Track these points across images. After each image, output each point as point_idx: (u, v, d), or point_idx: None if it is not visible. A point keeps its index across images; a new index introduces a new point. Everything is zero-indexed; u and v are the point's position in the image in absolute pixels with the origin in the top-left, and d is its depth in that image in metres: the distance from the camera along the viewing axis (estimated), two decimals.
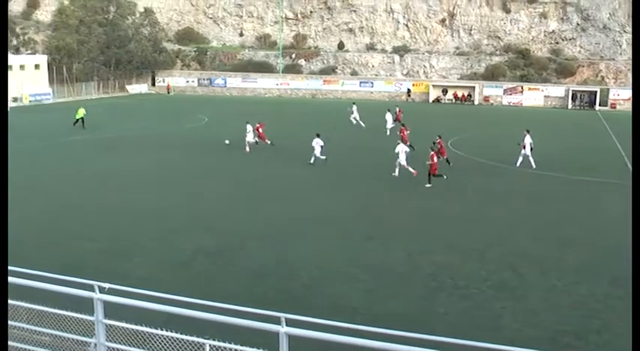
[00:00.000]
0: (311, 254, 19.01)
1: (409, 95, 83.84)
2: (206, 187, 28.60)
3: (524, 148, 34.12)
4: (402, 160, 30.14)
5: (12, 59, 76.02)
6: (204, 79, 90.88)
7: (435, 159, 28.61)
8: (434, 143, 31.81)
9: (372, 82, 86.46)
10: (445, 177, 29.25)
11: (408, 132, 37.44)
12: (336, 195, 27.26)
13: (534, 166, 33.78)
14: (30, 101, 72.82)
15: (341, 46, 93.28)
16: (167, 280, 16.24)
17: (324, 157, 33.09)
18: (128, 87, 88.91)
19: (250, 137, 37.61)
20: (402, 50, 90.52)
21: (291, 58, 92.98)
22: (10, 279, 8.56)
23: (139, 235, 21.00)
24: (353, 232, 21.53)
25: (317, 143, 33.13)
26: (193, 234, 21.05)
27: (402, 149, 30.29)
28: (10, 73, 70.11)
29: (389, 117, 45.95)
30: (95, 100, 77.91)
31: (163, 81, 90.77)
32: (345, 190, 28.29)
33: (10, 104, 66.08)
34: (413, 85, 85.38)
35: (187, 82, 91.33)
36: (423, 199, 27.01)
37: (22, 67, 75.63)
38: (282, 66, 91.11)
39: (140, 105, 71.33)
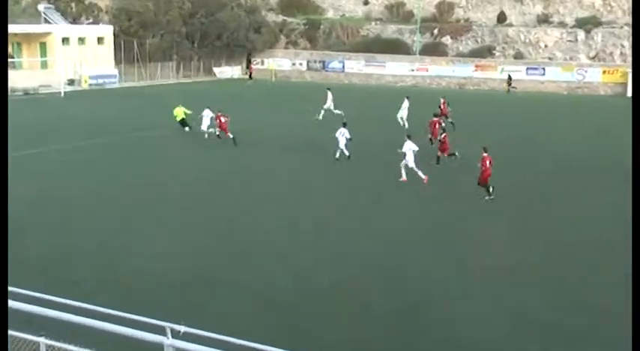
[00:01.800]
0: (431, 287, 19.60)
1: (510, 84, 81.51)
2: (303, 200, 29.38)
3: None
4: (410, 161, 32.15)
5: (69, 30, 78.26)
6: (315, 62, 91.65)
7: (488, 164, 29.62)
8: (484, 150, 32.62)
9: (543, 69, 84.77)
10: (492, 191, 29.80)
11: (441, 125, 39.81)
12: (446, 211, 27.94)
13: None
14: (90, 85, 74.92)
15: (501, 18, 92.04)
16: (254, 322, 16.48)
17: (347, 153, 36.51)
18: (216, 69, 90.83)
19: (204, 125, 42.36)
20: (589, 23, 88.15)
21: (432, 34, 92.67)
22: (68, 316, 9.10)
23: (225, 259, 21.34)
24: (481, 260, 21.83)
25: (341, 134, 36.59)
26: (293, 260, 21.38)
27: (409, 147, 32.13)
28: (65, 47, 75.36)
29: (405, 105, 49.13)
30: (173, 85, 78.11)
31: (262, 63, 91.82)
32: (450, 202, 29.22)
33: (65, 88, 68.14)
34: (604, 72, 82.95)
35: (293, 64, 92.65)
36: (587, 224, 26.20)
37: (81, 40, 77.79)
38: (420, 45, 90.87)
39: (231, 94, 71.06)
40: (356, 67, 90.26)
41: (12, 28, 69.18)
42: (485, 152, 29.88)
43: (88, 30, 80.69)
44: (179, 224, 25.59)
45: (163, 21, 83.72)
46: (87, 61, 75.98)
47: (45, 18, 79.69)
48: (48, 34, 75.78)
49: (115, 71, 78.78)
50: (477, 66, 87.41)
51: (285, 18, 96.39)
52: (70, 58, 73.92)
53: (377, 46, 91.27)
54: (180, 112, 44.97)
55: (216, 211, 27.61)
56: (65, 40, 76.44)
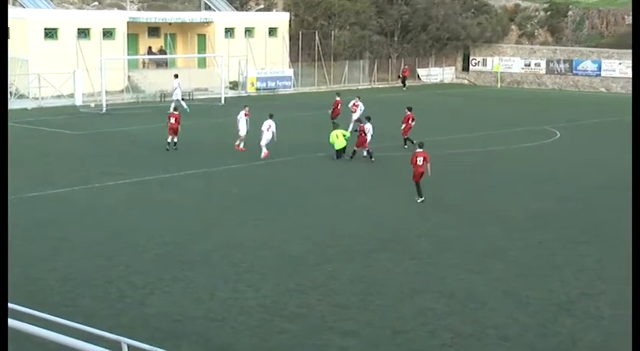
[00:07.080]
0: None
1: None
2: None
3: None
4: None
5: (234, 19, 74.63)
6: (558, 62, 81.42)
7: (421, 161, 30.18)
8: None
9: None
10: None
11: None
12: None
13: None
14: (257, 89, 70.86)
15: None
16: None
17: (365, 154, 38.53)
18: (420, 72, 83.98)
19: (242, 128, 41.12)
20: None
21: None
22: None
23: None
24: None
25: (368, 130, 39.46)
26: None
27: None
28: (229, 41, 71.29)
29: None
30: (363, 91, 70.25)
31: (483, 63, 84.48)
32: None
33: (226, 93, 64.53)
34: None
35: (527, 65, 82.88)
36: None
37: (248, 32, 72.82)
38: None
39: (452, 107, 64.55)
40: (618, 69, 77.94)
41: (165, 16, 69.61)
42: (420, 148, 30.60)
43: (258, 18, 76.07)
44: None
45: (350, 10, 77.53)
46: (255, 59, 70.79)
47: (206, 2, 73.92)
48: (208, 24, 70.86)
49: (290, 72, 73.45)
50: None
51: (518, 2, 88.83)
52: (233, 55, 68.13)
53: None
54: (340, 139, 40.28)
55: None
56: (229, 32, 71.46)
